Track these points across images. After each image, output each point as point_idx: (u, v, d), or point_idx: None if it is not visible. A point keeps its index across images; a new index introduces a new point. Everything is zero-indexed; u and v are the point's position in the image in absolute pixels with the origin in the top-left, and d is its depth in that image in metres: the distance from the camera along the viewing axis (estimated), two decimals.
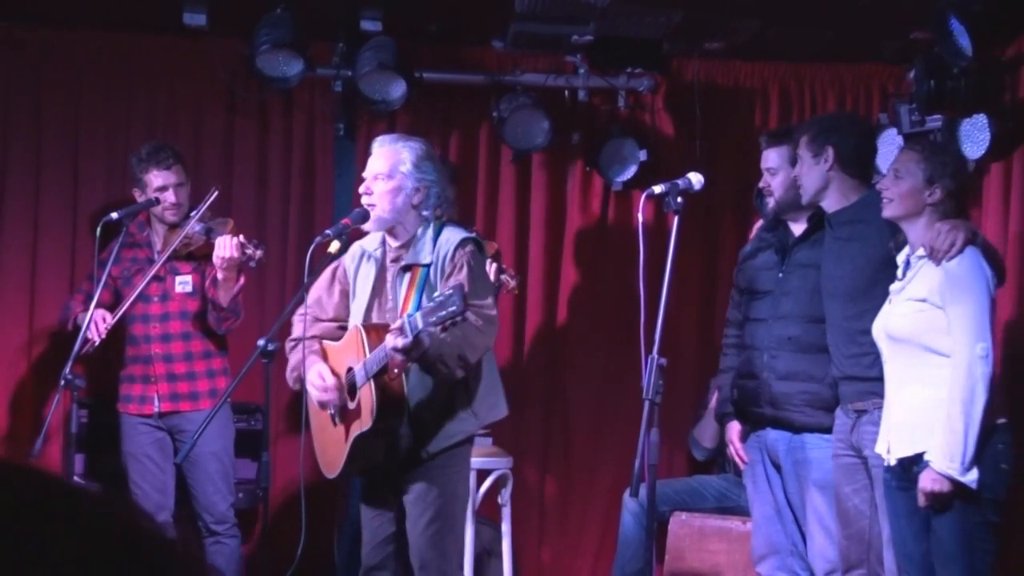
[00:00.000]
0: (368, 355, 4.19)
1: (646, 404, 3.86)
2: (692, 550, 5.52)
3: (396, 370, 4.18)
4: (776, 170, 4.79)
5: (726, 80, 6.44)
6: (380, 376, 4.18)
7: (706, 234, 6.41)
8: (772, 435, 4.77)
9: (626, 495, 5.33)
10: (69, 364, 4.89)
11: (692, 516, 5.53)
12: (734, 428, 4.93)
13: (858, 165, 4.60)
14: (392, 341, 4.03)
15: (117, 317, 5.21)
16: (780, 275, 4.78)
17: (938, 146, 4.44)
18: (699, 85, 6.31)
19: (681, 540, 5.55)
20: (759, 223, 5.30)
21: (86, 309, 5.20)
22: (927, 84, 5.26)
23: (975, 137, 5.36)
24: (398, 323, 4.05)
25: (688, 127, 6.34)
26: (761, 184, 4.88)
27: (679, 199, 4.04)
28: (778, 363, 4.70)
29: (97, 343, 5.17)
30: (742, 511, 5.54)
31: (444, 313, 3.91)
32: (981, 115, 5.30)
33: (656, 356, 3.87)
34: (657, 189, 4.07)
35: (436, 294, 4.00)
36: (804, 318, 4.67)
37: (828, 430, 4.56)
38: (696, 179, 4.09)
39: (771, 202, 4.83)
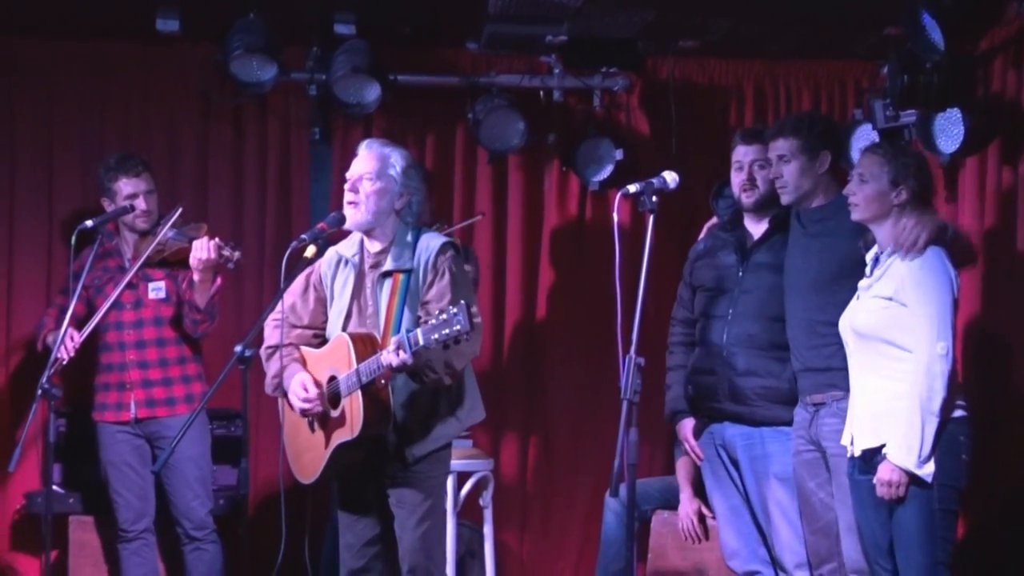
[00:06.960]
0: (357, 365, 4.18)
1: (624, 404, 3.86)
2: (675, 548, 5.51)
3: (384, 380, 4.18)
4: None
5: (701, 78, 6.44)
6: (369, 386, 4.18)
7: (683, 233, 6.39)
8: (730, 431, 4.78)
9: (608, 494, 5.32)
10: (47, 374, 4.89)
11: (674, 514, 5.52)
12: (688, 425, 4.93)
13: (840, 167, 4.70)
14: (391, 358, 4.04)
15: (86, 334, 5.22)
16: (740, 274, 4.80)
17: (900, 147, 4.47)
18: (674, 84, 6.31)
19: (664, 538, 5.54)
20: (711, 221, 5.28)
21: (59, 325, 5.20)
22: (900, 79, 5.27)
23: (949, 131, 5.38)
24: (396, 339, 4.05)
25: (664, 126, 6.34)
26: (742, 178, 4.82)
27: (654, 198, 4.03)
28: (737, 359, 4.72)
29: (66, 361, 5.17)
30: None
31: (449, 332, 3.92)
32: (955, 109, 5.32)
33: (634, 356, 3.87)
34: (632, 188, 4.06)
35: (439, 312, 3.99)
36: (764, 316, 4.70)
37: (787, 423, 4.60)
38: (671, 178, 4.08)
39: (753, 195, 4.79)
